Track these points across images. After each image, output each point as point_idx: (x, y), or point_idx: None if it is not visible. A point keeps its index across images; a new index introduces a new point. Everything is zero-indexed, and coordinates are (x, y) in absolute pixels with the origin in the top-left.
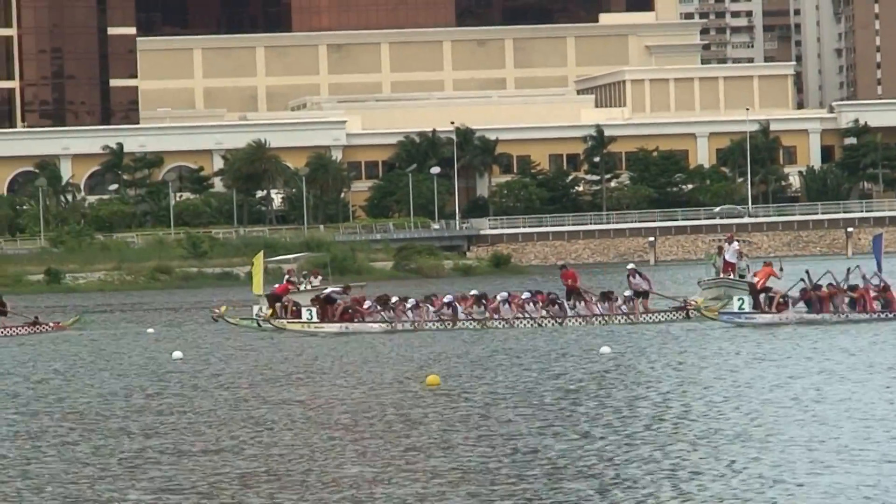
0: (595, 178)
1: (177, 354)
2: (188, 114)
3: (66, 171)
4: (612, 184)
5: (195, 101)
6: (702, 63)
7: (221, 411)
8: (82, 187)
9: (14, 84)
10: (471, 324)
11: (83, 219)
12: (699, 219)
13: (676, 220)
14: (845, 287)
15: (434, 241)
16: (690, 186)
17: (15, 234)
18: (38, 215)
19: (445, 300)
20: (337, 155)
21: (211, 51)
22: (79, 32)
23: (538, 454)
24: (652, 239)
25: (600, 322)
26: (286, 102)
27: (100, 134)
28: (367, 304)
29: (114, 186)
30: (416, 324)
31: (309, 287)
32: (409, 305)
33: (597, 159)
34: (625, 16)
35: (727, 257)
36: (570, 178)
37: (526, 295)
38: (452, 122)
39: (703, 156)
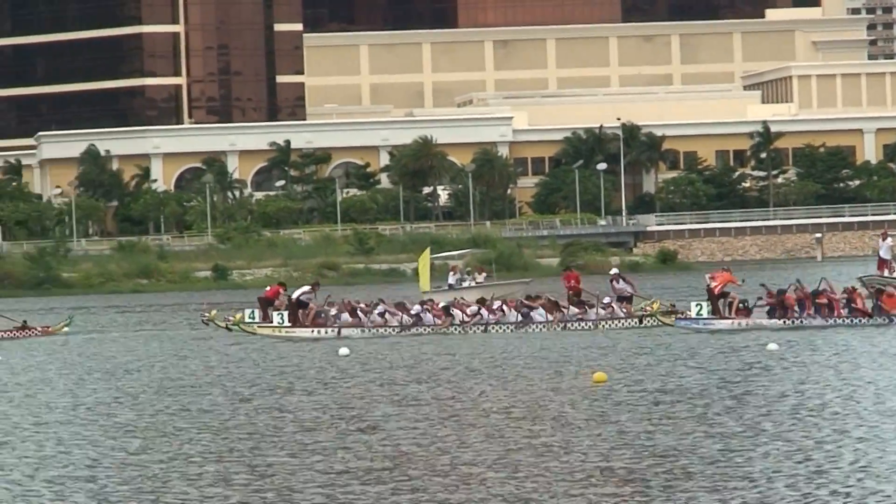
0: (761, 174)
1: (343, 351)
2: (355, 110)
3: (233, 167)
4: (779, 180)
5: (362, 97)
6: (868, 59)
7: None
8: (249, 184)
9: (181, 81)
10: (428, 329)
11: (250, 215)
12: (866, 215)
13: (843, 216)
14: (807, 292)
15: (600, 238)
16: (857, 182)
17: (182, 230)
18: (206, 212)
19: (413, 311)
20: (503, 151)
21: (377, 47)
22: (245, 29)
23: (729, 454)
24: (819, 235)
25: (566, 328)
26: (452, 98)
27: (267, 130)
28: (333, 310)
29: (280, 183)
30: (377, 330)
31: (473, 284)
32: (377, 312)
33: (763, 155)
34: (791, 11)
35: (881, 254)
36: (737, 174)
37: (497, 303)
38: (619, 119)
39: (869, 152)
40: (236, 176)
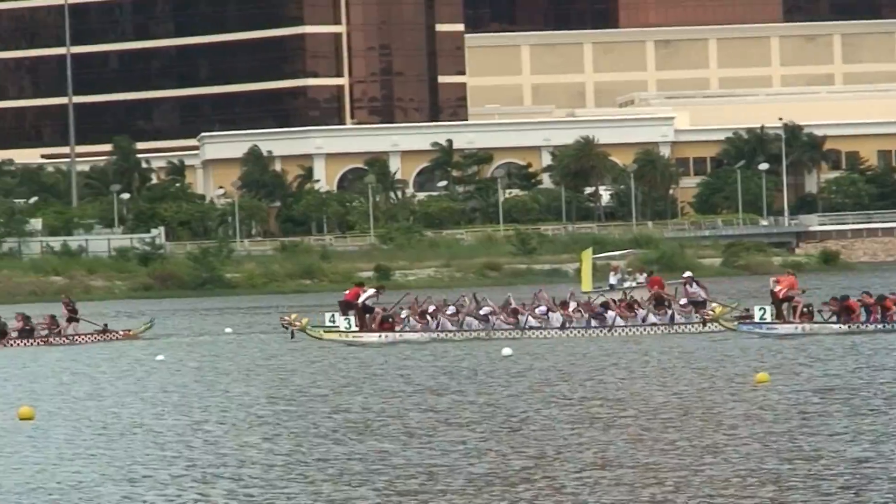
0: None
1: (506, 351)
2: (516, 110)
3: (395, 167)
4: None
5: (523, 97)
6: None
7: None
8: (411, 184)
9: (343, 81)
10: (504, 333)
11: (412, 215)
12: None
13: None
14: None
15: (762, 238)
16: None
17: (345, 231)
18: (368, 212)
19: (482, 312)
20: (665, 151)
21: (539, 47)
22: (407, 29)
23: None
24: None
25: (650, 332)
26: (614, 98)
27: (429, 130)
28: (403, 313)
29: (443, 183)
30: (453, 333)
31: (634, 284)
32: (448, 313)
33: None
34: None
35: None
36: None
37: (573, 305)
38: (780, 119)
39: None
40: (398, 176)
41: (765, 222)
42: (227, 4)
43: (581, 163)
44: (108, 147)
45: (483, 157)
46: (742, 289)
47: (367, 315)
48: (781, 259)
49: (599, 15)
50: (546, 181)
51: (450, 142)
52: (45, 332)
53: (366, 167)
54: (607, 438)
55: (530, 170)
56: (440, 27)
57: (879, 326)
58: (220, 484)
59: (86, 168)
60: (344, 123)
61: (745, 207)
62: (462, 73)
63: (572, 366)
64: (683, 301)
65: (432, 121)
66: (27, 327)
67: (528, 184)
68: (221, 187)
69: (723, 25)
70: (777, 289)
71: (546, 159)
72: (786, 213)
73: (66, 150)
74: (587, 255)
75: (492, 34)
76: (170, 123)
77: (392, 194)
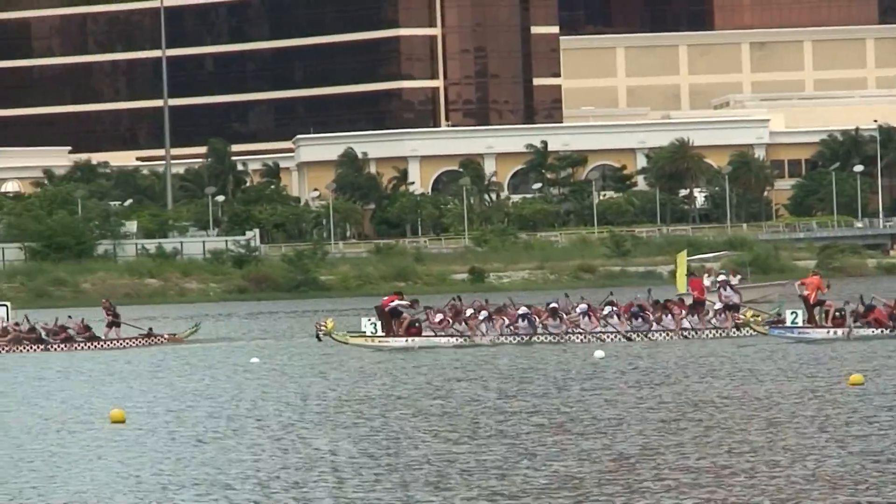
0: None
1: (598, 354)
2: (611, 112)
3: (489, 169)
4: None
5: (618, 99)
6: None
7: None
8: (506, 186)
9: (438, 83)
10: (548, 338)
11: (507, 218)
12: None
13: None
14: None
15: (857, 240)
16: None
17: (439, 233)
18: (463, 214)
19: (520, 312)
20: (760, 153)
21: (634, 49)
22: (502, 31)
23: None
24: None
25: (689, 336)
26: (709, 100)
27: (523, 133)
28: (438, 316)
29: (537, 185)
30: (491, 339)
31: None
32: (481, 318)
33: None
34: None
35: None
36: None
37: (608, 309)
38: (875, 120)
39: None
40: (493, 178)
41: (859, 224)
42: (323, 7)
43: (676, 165)
44: (203, 149)
45: (578, 159)
46: (835, 291)
47: (394, 320)
48: (876, 261)
49: (695, 17)
50: (641, 183)
51: (545, 144)
52: (80, 337)
53: (460, 169)
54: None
55: (625, 172)
56: (535, 29)
57: None
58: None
59: (181, 170)
60: (439, 126)
61: (839, 209)
62: (557, 75)
63: (669, 368)
64: (718, 305)
65: (527, 123)
66: (64, 333)
67: (623, 186)
68: (316, 189)
69: (818, 27)
70: (806, 293)
71: (641, 161)
72: (880, 215)
73: (161, 152)
74: (682, 258)
75: (587, 36)
76: (265, 126)
77: (487, 196)
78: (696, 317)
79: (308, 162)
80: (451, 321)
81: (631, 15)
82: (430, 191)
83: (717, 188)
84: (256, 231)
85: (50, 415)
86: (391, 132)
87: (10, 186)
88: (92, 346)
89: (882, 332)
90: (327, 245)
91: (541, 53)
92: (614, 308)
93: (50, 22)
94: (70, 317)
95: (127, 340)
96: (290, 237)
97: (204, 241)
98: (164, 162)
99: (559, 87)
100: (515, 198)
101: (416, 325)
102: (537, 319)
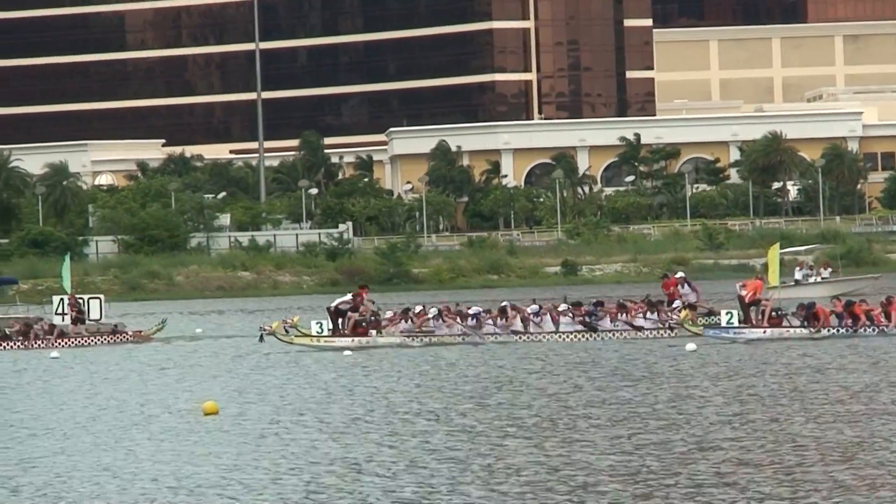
0: None
1: (690, 347)
2: (704, 105)
3: (582, 162)
4: None
5: (711, 92)
6: None
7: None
8: (599, 179)
9: (531, 76)
10: (496, 337)
11: (599, 210)
12: None
13: None
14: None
15: None
16: None
17: (532, 226)
18: (555, 207)
19: (471, 312)
20: (853, 146)
21: (727, 42)
22: (595, 24)
23: None
24: None
25: (643, 336)
26: (802, 93)
27: (616, 126)
28: (388, 313)
29: (630, 178)
30: (438, 337)
31: (818, 279)
32: (430, 316)
33: None
34: None
35: None
36: None
37: (562, 307)
38: None
39: None
40: (586, 171)
41: None
42: (416, 0)
43: (769, 158)
44: (296, 142)
45: (671, 152)
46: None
47: (340, 319)
48: None
49: (788, 9)
50: (734, 176)
51: (637, 137)
52: (43, 334)
53: (553, 162)
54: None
55: (718, 165)
56: (628, 22)
57: (843, 331)
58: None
59: (274, 163)
60: (531, 119)
61: None
62: (650, 68)
63: (744, 364)
64: (677, 304)
65: (620, 116)
66: (25, 330)
67: (716, 179)
68: (409, 182)
69: None
70: (743, 293)
71: (734, 154)
72: None
73: (254, 145)
74: (774, 250)
75: (680, 29)
76: (358, 119)
77: (579, 189)
78: (656, 315)
79: (401, 155)
80: (399, 320)
81: (724, 8)
82: (522, 184)
83: (810, 181)
84: (349, 224)
85: (139, 409)
86: (484, 125)
87: (105, 179)
88: (56, 344)
89: (828, 331)
90: (420, 238)
91: (634, 46)
92: (568, 308)
93: (144, 15)
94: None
95: (92, 337)
96: (383, 230)
97: (297, 234)
98: (257, 155)
99: (652, 79)
100: (608, 191)
101: (363, 324)
102: (487, 317)
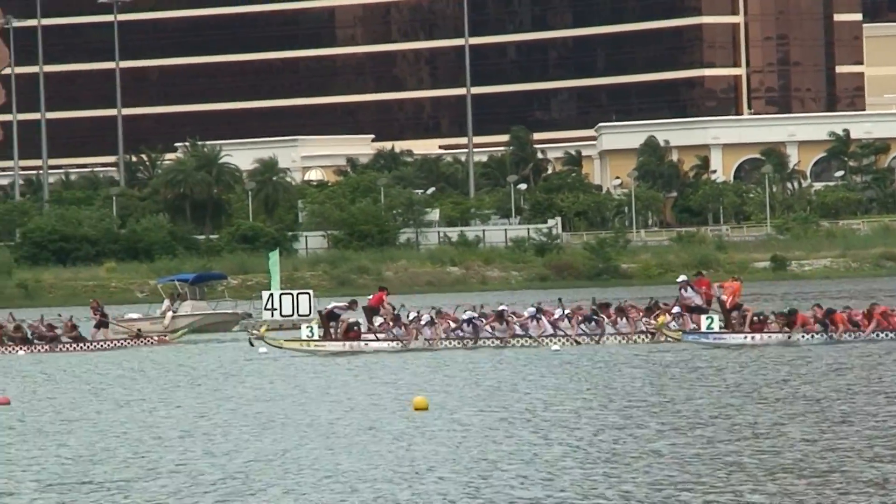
0: None
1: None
2: None
3: (792, 157)
4: None
5: None
6: None
7: None
8: (808, 174)
9: (740, 71)
10: (493, 342)
11: (809, 205)
12: None
13: None
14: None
15: None
16: None
17: (741, 221)
18: (764, 202)
19: (464, 317)
20: None
21: None
22: (805, 19)
23: None
24: None
25: (644, 340)
26: None
27: (826, 120)
28: (378, 320)
29: (839, 173)
30: (431, 342)
31: None
32: (423, 322)
33: None
34: None
35: None
36: None
37: (559, 312)
38: None
39: None
40: (796, 166)
41: None
42: None
43: None
44: (504, 137)
45: (880, 146)
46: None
47: (332, 323)
48: None
49: None
50: None
51: (847, 132)
52: (66, 338)
53: (762, 157)
54: None
55: None
56: (838, 17)
57: (821, 338)
58: None
59: (483, 158)
60: (740, 114)
61: None
62: (860, 62)
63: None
64: (676, 309)
65: (829, 111)
66: (50, 333)
67: None
68: (618, 177)
69: None
70: (724, 297)
71: None
72: None
73: (463, 140)
74: None
75: (890, 23)
76: (567, 114)
77: (788, 184)
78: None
79: (610, 150)
80: (390, 324)
81: None
82: (731, 179)
83: None
84: (558, 219)
85: (350, 407)
86: (693, 120)
87: (314, 175)
88: (78, 348)
89: (813, 336)
90: (629, 233)
91: (843, 41)
92: (565, 312)
93: (353, 11)
94: (59, 315)
95: (115, 341)
96: (592, 225)
97: (506, 229)
98: (466, 150)
99: (862, 74)
100: (818, 185)
101: (355, 328)
102: (484, 322)
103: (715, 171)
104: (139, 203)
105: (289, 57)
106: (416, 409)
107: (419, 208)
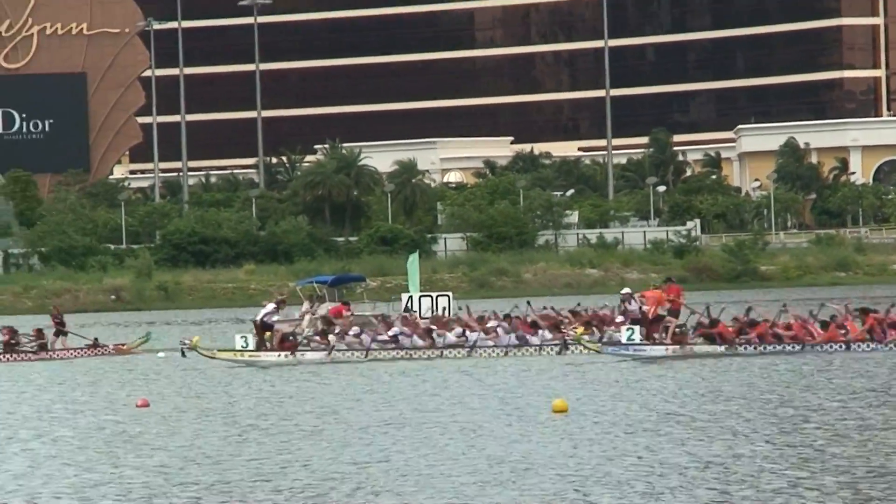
0: None
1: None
2: None
3: None
4: None
5: None
6: None
7: None
8: None
9: (880, 73)
10: (417, 353)
11: None
12: None
13: None
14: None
15: None
16: None
17: (880, 223)
18: None
19: (391, 332)
20: None
21: None
22: None
23: None
24: None
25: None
26: None
27: None
28: (336, 329)
29: None
30: (356, 353)
31: None
32: (352, 333)
33: None
34: None
35: None
36: None
37: (493, 322)
38: None
39: None
40: None
41: None
42: None
43: None
44: (644, 139)
45: None
46: None
47: (266, 333)
48: None
49: None
50: None
51: None
52: (34, 346)
53: None
54: None
55: None
56: None
57: (752, 349)
58: None
59: (622, 160)
60: (880, 115)
61: None
62: None
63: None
64: (620, 319)
65: None
66: (12, 341)
67: None
68: (757, 180)
69: None
70: (646, 308)
71: None
72: None
73: (602, 142)
74: None
75: None
76: (706, 115)
77: None
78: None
79: (749, 152)
80: (346, 336)
81: None
82: (870, 180)
83: None
84: (697, 221)
85: (492, 412)
86: (832, 122)
87: (453, 177)
88: (40, 357)
89: (725, 348)
90: (767, 235)
91: None
92: (501, 323)
93: (493, 13)
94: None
95: (73, 350)
96: (731, 227)
97: (645, 231)
98: (605, 152)
99: None
100: None
101: (290, 338)
102: (409, 331)
103: (854, 173)
104: (278, 205)
105: (428, 59)
106: (556, 412)
107: (558, 210)
